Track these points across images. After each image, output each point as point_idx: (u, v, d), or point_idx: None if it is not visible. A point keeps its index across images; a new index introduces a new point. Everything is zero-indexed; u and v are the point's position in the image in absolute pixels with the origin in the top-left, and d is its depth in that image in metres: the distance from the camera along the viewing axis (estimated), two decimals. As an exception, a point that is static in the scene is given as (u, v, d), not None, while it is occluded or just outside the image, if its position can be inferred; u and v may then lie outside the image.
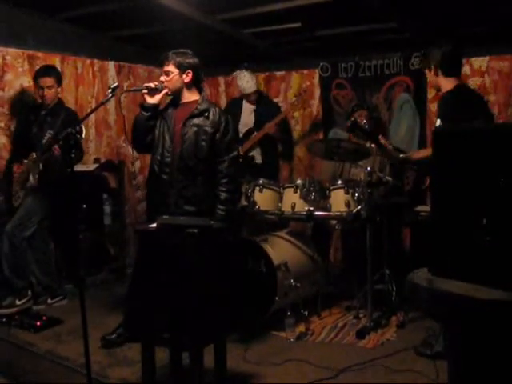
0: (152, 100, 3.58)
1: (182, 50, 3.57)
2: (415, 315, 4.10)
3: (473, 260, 1.81)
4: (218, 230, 3.34)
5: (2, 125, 4.77)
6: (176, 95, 3.63)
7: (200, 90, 3.67)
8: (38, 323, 4.05)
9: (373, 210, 4.04)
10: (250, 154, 5.28)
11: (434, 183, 2.00)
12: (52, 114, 4.47)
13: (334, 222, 4.35)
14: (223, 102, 6.22)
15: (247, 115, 5.38)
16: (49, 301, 4.62)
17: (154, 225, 2.95)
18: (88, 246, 5.12)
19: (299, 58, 5.83)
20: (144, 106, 3.60)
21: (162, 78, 3.57)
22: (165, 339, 2.86)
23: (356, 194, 4.12)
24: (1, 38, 4.71)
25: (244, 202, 4.28)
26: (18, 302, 4.41)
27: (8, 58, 4.80)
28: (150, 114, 3.59)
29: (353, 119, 3.86)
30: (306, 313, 4.09)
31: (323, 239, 4.85)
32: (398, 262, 4.34)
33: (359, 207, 4.03)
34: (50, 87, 4.42)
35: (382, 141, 4.04)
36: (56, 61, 5.14)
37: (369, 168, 4.18)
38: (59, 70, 4.81)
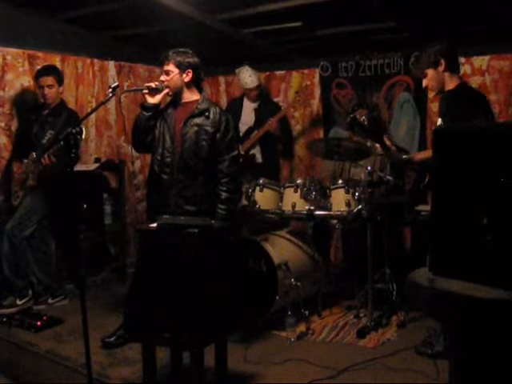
0: (153, 100, 3.57)
1: (182, 50, 3.57)
2: (416, 315, 4.10)
3: (473, 259, 1.80)
4: (219, 230, 3.34)
5: (3, 125, 4.78)
6: (176, 95, 3.62)
7: (200, 90, 3.67)
8: (39, 323, 4.05)
9: (373, 210, 4.04)
10: (251, 153, 5.29)
11: (435, 183, 1.99)
12: (54, 114, 4.48)
13: (334, 221, 4.35)
14: (224, 102, 6.22)
15: (247, 114, 5.39)
16: (49, 301, 4.62)
17: (155, 224, 2.96)
18: (88, 246, 5.12)
19: (299, 58, 5.83)
20: (145, 106, 3.60)
21: (163, 78, 3.57)
22: (165, 339, 2.87)
23: (356, 194, 4.12)
24: (1, 38, 4.71)
25: (244, 202, 4.28)
26: (18, 302, 4.41)
27: (8, 57, 4.80)
28: (150, 113, 3.58)
29: (352, 116, 3.84)
30: (307, 312, 4.08)
31: (324, 239, 4.85)
32: (398, 261, 4.35)
33: (360, 206, 4.03)
34: (50, 86, 4.42)
35: (388, 142, 4.00)
36: (56, 60, 5.15)
37: (369, 167, 4.18)
38: (60, 69, 4.81)
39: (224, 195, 3.54)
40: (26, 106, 4.83)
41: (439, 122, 3.45)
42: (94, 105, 5.41)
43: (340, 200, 4.16)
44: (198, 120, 3.56)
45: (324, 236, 4.87)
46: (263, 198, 4.28)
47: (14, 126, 4.84)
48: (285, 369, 3.39)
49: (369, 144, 4.86)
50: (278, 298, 3.92)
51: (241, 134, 5.32)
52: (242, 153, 5.17)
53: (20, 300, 4.43)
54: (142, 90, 3.61)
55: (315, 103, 5.78)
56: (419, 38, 4.72)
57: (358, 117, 3.80)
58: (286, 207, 4.22)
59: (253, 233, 4.72)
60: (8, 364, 3.76)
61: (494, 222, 1.75)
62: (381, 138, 4.06)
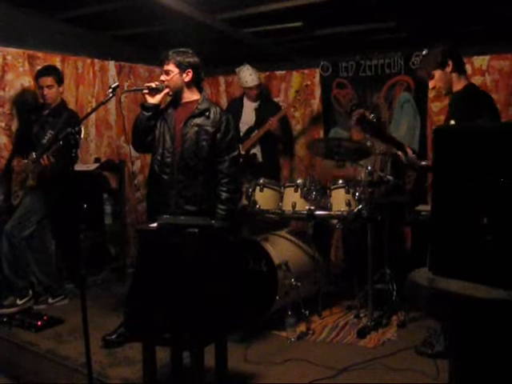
0: (153, 100, 3.57)
1: (182, 49, 3.57)
2: (416, 315, 4.10)
3: (473, 259, 1.80)
4: (219, 230, 3.35)
5: (3, 125, 4.78)
6: (176, 95, 3.62)
7: (200, 90, 3.67)
8: (39, 323, 4.06)
9: (373, 210, 4.04)
10: (251, 153, 5.29)
11: (435, 182, 2.00)
12: (54, 114, 4.48)
13: (334, 221, 4.35)
14: (224, 102, 6.22)
15: (248, 114, 5.39)
16: (50, 300, 4.62)
17: (155, 224, 2.96)
18: (89, 246, 5.12)
19: (300, 58, 5.83)
20: (145, 106, 3.60)
21: (163, 78, 3.57)
22: (166, 339, 2.87)
23: (357, 194, 4.12)
24: (1, 38, 4.72)
25: (245, 202, 4.28)
26: (18, 302, 4.41)
27: (8, 57, 4.81)
28: (150, 113, 3.58)
29: (361, 111, 3.79)
30: (307, 312, 4.08)
31: (324, 238, 4.85)
32: (398, 261, 4.34)
33: (360, 206, 4.03)
34: (49, 86, 4.42)
35: (409, 151, 3.92)
36: (56, 61, 5.15)
37: (370, 167, 4.18)
38: (60, 69, 4.81)
39: (224, 195, 3.54)
40: (26, 106, 4.83)
41: (452, 123, 3.42)
42: (94, 105, 5.41)
43: (340, 200, 4.16)
44: (198, 120, 3.56)
45: (324, 236, 4.87)
46: (263, 197, 4.28)
47: (15, 125, 4.84)
48: (285, 369, 3.39)
49: (369, 144, 4.86)
50: (278, 297, 3.92)
51: (241, 134, 5.32)
52: (243, 152, 5.17)
53: (20, 300, 4.43)
54: (142, 89, 3.61)
55: (315, 103, 5.77)
56: (419, 38, 4.74)
57: (367, 114, 3.77)
58: (286, 207, 4.22)
59: (253, 233, 4.72)
60: (8, 364, 3.76)
61: (494, 221, 1.75)
62: (389, 137, 4.00)
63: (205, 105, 3.59)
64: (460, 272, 1.83)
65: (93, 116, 5.32)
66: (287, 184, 4.35)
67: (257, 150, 5.32)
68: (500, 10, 4.06)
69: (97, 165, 5.27)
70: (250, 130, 5.34)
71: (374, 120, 3.64)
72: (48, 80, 4.42)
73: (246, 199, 4.29)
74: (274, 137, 5.36)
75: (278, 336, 3.92)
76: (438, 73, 3.39)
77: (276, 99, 5.85)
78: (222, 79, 6.35)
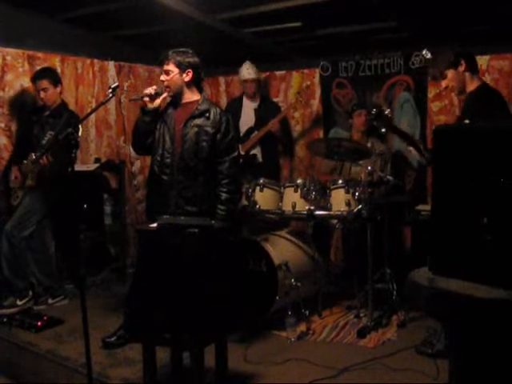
0: (152, 104, 3.56)
1: (182, 49, 3.57)
2: (416, 314, 4.10)
3: (473, 259, 1.80)
4: (219, 230, 3.34)
5: (3, 125, 4.78)
6: (176, 95, 3.62)
7: (200, 90, 3.66)
8: (39, 323, 4.05)
9: (373, 210, 4.04)
10: (251, 153, 5.29)
11: (435, 182, 2.00)
12: (54, 115, 4.48)
13: (334, 221, 4.35)
14: (223, 102, 6.22)
15: (248, 114, 5.39)
16: (49, 301, 4.62)
17: (155, 225, 2.96)
18: (89, 246, 5.12)
19: (299, 58, 5.83)
20: (145, 111, 3.59)
21: (162, 78, 3.57)
22: (166, 339, 2.87)
23: (357, 194, 4.12)
24: (1, 39, 4.71)
25: (244, 202, 4.28)
26: (18, 302, 4.41)
27: (8, 58, 4.80)
28: (150, 118, 3.58)
29: (379, 108, 3.77)
30: (307, 312, 4.08)
31: (324, 239, 4.85)
32: (398, 261, 4.34)
33: (360, 206, 4.03)
34: (45, 89, 4.42)
35: (421, 145, 3.91)
36: (56, 61, 5.15)
37: (370, 167, 4.18)
38: (56, 70, 4.82)
39: (224, 196, 3.54)
40: (26, 106, 4.83)
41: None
42: (93, 105, 5.41)
43: (340, 200, 4.15)
44: (198, 121, 3.55)
45: (324, 236, 4.87)
46: (263, 198, 4.27)
47: (14, 126, 4.84)
48: (285, 369, 3.39)
49: (369, 144, 4.87)
50: (278, 298, 3.92)
51: (241, 134, 5.32)
52: (243, 153, 5.17)
53: (20, 300, 4.43)
54: (142, 98, 3.59)
55: (315, 103, 5.77)
56: (419, 38, 4.73)
57: (384, 109, 3.77)
58: (286, 207, 4.21)
59: (253, 233, 4.72)
60: (8, 364, 3.76)
61: (494, 221, 1.75)
62: (403, 133, 3.98)
63: (205, 105, 3.59)
64: (460, 272, 1.83)
65: (93, 116, 5.32)
66: (287, 184, 4.35)
67: (257, 151, 5.32)
68: (500, 10, 4.06)
69: (97, 165, 5.28)
70: (249, 131, 5.34)
71: (390, 115, 3.67)
72: (43, 83, 4.42)
73: (245, 199, 4.29)
74: (274, 137, 5.37)
75: (278, 336, 3.92)
76: (450, 72, 3.38)
77: (275, 99, 5.85)
78: (221, 79, 6.35)
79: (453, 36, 4.62)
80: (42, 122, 4.50)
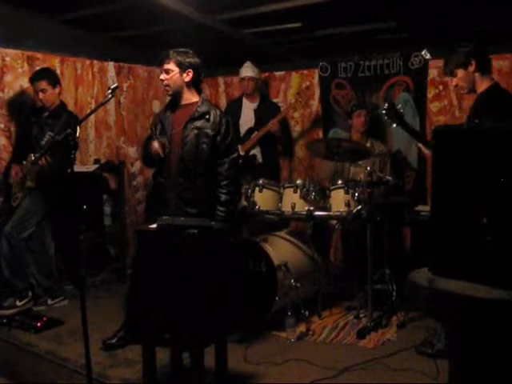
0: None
1: (183, 49, 3.56)
2: (416, 315, 4.10)
3: (473, 259, 1.80)
4: (219, 231, 3.34)
5: (2, 126, 4.78)
6: (176, 95, 3.61)
7: (199, 91, 3.66)
8: (39, 324, 4.05)
9: (373, 210, 4.04)
10: (251, 154, 5.29)
11: (435, 182, 2.00)
12: (53, 116, 4.48)
13: (334, 221, 4.35)
14: (223, 103, 6.22)
15: (247, 114, 5.39)
16: (49, 302, 4.62)
17: (155, 225, 2.96)
18: (88, 247, 5.12)
19: (299, 58, 5.83)
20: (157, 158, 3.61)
21: (162, 76, 3.56)
22: (166, 339, 2.87)
23: (356, 194, 4.12)
24: (0, 39, 4.72)
25: (244, 203, 4.28)
26: (18, 303, 4.41)
27: (7, 59, 4.81)
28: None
29: (390, 102, 3.78)
30: (307, 313, 4.08)
31: (323, 239, 4.85)
32: (398, 261, 4.34)
33: (359, 207, 4.03)
34: (43, 90, 4.42)
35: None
36: (55, 62, 5.15)
37: (369, 167, 4.19)
38: (55, 71, 4.81)
39: (224, 197, 3.54)
40: (25, 107, 4.83)
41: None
42: (93, 106, 5.41)
43: (339, 200, 4.15)
44: (198, 123, 3.55)
45: (324, 236, 4.86)
46: (263, 198, 4.27)
47: (13, 127, 4.84)
48: (285, 369, 3.39)
49: (368, 144, 4.87)
50: (277, 298, 3.92)
51: (241, 135, 5.32)
52: (242, 153, 5.18)
53: (20, 301, 4.43)
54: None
55: (315, 104, 5.77)
56: (419, 38, 4.74)
57: (396, 103, 3.79)
58: (286, 208, 4.21)
59: (252, 234, 4.72)
60: (8, 365, 3.75)
61: (494, 221, 1.75)
62: (413, 129, 3.99)
63: (204, 107, 3.58)
64: (460, 272, 1.83)
65: (92, 117, 5.32)
66: (286, 185, 4.35)
67: (256, 151, 5.32)
68: (500, 10, 4.07)
69: (96, 166, 5.28)
70: (249, 131, 5.34)
71: (401, 110, 3.69)
72: (42, 84, 4.42)
73: (245, 200, 4.29)
74: (273, 138, 5.36)
75: (277, 336, 3.92)
76: (460, 72, 3.41)
77: (275, 100, 5.85)
78: (221, 80, 6.35)
79: (453, 36, 4.62)
80: (41, 122, 4.50)
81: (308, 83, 5.69)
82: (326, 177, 4.99)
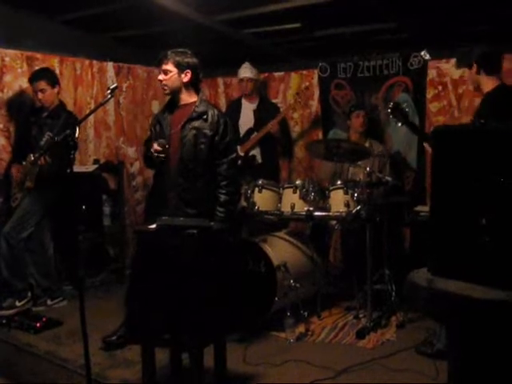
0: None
1: (181, 50, 3.56)
2: (415, 315, 4.10)
3: (472, 260, 1.80)
4: (218, 231, 3.34)
5: (1, 126, 4.78)
6: (174, 96, 3.61)
7: (197, 91, 3.66)
8: (38, 324, 4.05)
9: (372, 210, 4.04)
10: (251, 154, 5.29)
11: (434, 183, 2.00)
12: (52, 116, 4.48)
13: (333, 222, 4.35)
14: (222, 103, 6.23)
15: (247, 115, 5.39)
16: (48, 302, 4.62)
17: (154, 226, 2.96)
18: (87, 247, 5.12)
19: (298, 59, 5.83)
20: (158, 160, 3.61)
21: (160, 77, 3.56)
22: (165, 340, 2.87)
23: (355, 194, 4.12)
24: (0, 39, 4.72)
25: (243, 203, 4.28)
26: (17, 304, 4.41)
27: (7, 59, 4.80)
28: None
29: (396, 101, 3.82)
30: (306, 313, 4.08)
31: (323, 239, 4.85)
32: (397, 262, 4.34)
33: (359, 207, 4.03)
34: (42, 90, 4.42)
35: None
36: (55, 62, 5.15)
37: (368, 168, 4.19)
38: (54, 71, 4.81)
39: (223, 197, 3.54)
40: (25, 107, 4.83)
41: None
42: (92, 106, 5.41)
43: (339, 201, 4.15)
44: (196, 123, 3.54)
45: (323, 237, 4.86)
46: (262, 199, 4.27)
47: (13, 127, 4.84)
48: (284, 370, 3.39)
49: (367, 145, 4.87)
50: (277, 298, 3.92)
51: (241, 135, 5.32)
52: (242, 154, 5.18)
53: (19, 301, 4.43)
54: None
55: (314, 104, 5.78)
56: (418, 39, 4.73)
57: (401, 103, 3.81)
58: (285, 208, 4.21)
59: (252, 234, 4.72)
60: (7, 365, 3.75)
61: (493, 222, 1.75)
62: (418, 129, 4.01)
63: (202, 107, 3.58)
64: (459, 273, 1.83)
65: (91, 117, 5.31)
66: (286, 185, 4.35)
67: (256, 152, 5.32)
68: (500, 10, 4.07)
69: (96, 166, 5.27)
70: (249, 132, 5.34)
71: (407, 110, 3.72)
72: (41, 84, 4.41)
73: (244, 200, 4.29)
74: (273, 138, 5.36)
75: (277, 337, 3.92)
76: (466, 71, 3.65)
77: (274, 100, 5.85)
78: (220, 80, 6.35)
79: (453, 37, 4.63)
80: (41, 123, 4.49)
81: (307, 84, 5.69)
82: (326, 177, 4.99)
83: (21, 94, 4.86)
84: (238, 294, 3.78)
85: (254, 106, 5.42)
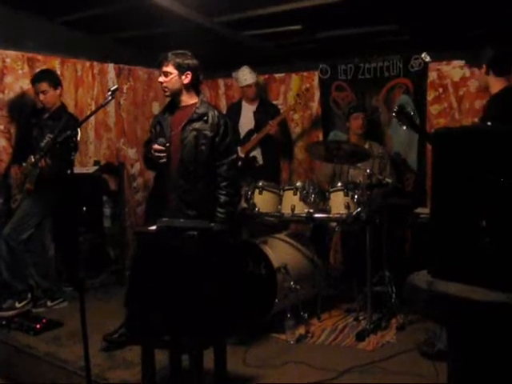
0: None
1: (181, 51, 3.57)
2: (415, 317, 4.09)
3: (472, 262, 1.80)
4: (218, 233, 3.34)
5: (2, 127, 4.78)
6: (174, 97, 3.62)
7: (198, 93, 3.66)
8: (38, 326, 4.05)
9: (372, 212, 4.04)
10: (251, 155, 5.29)
11: (434, 185, 2.00)
12: (53, 117, 4.48)
13: (333, 223, 4.35)
14: (223, 105, 6.23)
15: (247, 117, 5.40)
16: (48, 303, 4.61)
17: (154, 227, 2.96)
18: (88, 249, 5.12)
19: (299, 60, 5.83)
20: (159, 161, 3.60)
21: (161, 79, 3.57)
22: (165, 341, 2.86)
23: (356, 196, 4.12)
24: (0, 41, 4.72)
25: (244, 205, 4.28)
26: (17, 305, 4.41)
27: (8, 60, 4.81)
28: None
29: (400, 104, 3.82)
30: (306, 315, 4.08)
31: (323, 241, 4.85)
32: (397, 264, 4.34)
33: (359, 209, 4.03)
34: (44, 92, 4.42)
35: None
36: (56, 63, 5.15)
37: (368, 170, 4.18)
38: (56, 72, 4.81)
39: (223, 199, 3.54)
40: (26, 108, 4.83)
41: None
42: (93, 107, 5.42)
43: (339, 203, 4.15)
44: (196, 125, 3.55)
45: (323, 239, 4.86)
46: (262, 200, 4.27)
47: (14, 129, 4.84)
48: (284, 371, 3.38)
49: (367, 147, 4.87)
50: (277, 300, 3.92)
51: (241, 137, 5.33)
52: (242, 155, 5.18)
53: (19, 303, 4.42)
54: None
55: (314, 106, 5.78)
56: (419, 41, 4.73)
57: (405, 106, 3.82)
58: (286, 210, 4.21)
59: (252, 236, 4.72)
60: (7, 366, 3.75)
61: (493, 224, 1.75)
62: (423, 131, 4.02)
63: (203, 109, 3.58)
64: (459, 275, 1.83)
65: (92, 119, 5.32)
66: (286, 187, 4.35)
67: (257, 153, 5.32)
68: (500, 11, 4.07)
69: (96, 167, 5.28)
70: (249, 133, 5.35)
71: (412, 113, 3.72)
72: (42, 86, 4.42)
73: (245, 202, 4.28)
74: (274, 139, 5.36)
75: (277, 339, 3.92)
76: (477, 71, 3.65)
77: (275, 102, 5.85)
78: (221, 82, 6.35)
79: (454, 38, 4.62)
80: (42, 124, 4.49)
81: (308, 85, 5.70)
82: (326, 179, 4.99)
83: (22, 95, 4.87)
84: (238, 296, 3.78)
85: (254, 107, 5.42)
